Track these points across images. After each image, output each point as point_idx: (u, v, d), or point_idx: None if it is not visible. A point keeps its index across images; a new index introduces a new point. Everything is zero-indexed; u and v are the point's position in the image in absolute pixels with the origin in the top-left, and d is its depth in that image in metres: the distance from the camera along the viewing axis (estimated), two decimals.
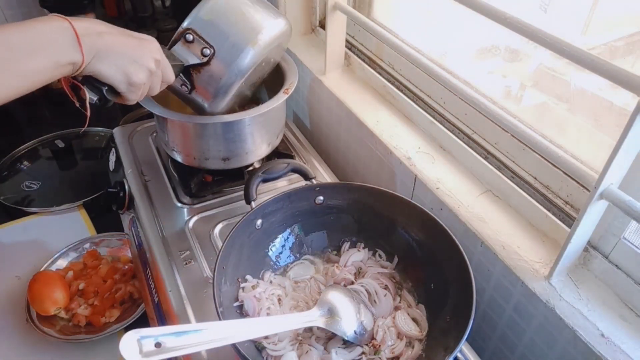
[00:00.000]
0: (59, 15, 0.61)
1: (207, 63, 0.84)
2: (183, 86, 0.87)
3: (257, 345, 0.70)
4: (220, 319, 0.63)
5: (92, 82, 0.66)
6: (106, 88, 0.67)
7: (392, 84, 1.08)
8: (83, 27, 0.61)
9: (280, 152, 1.10)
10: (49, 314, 1.34)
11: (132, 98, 0.71)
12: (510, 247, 0.76)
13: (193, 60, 0.83)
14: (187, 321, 0.79)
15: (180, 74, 0.85)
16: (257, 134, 0.98)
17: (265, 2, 0.89)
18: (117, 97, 0.70)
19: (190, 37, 0.82)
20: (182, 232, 0.94)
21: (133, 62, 0.67)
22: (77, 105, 0.68)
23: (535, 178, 0.80)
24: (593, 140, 0.75)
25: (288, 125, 1.22)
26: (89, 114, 0.68)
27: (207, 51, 0.83)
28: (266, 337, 0.70)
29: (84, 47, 0.61)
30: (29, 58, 0.57)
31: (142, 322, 1.34)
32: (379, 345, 0.71)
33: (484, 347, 0.85)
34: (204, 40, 0.83)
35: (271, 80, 1.10)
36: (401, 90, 1.06)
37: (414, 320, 0.75)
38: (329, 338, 0.72)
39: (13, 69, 0.57)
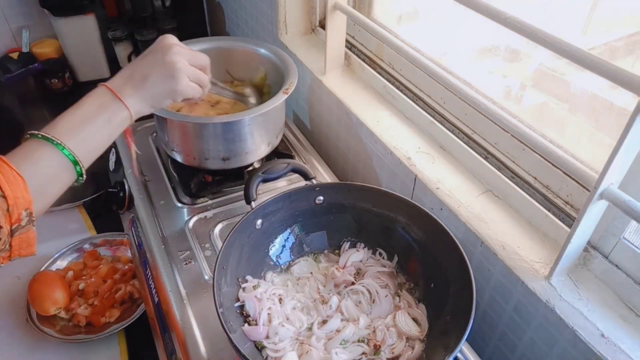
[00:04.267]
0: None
1: None
2: None
3: (257, 345, 0.70)
4: (220, 320, 0.63)
5: None
6: None
7: (392, 84, 1.08)
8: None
9: (280, 152, 1.10)
10: (49, 314, 1.34)
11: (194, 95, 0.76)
12: (510, 247, 0.76)
13: None
14: (188, 321, 0.79)
15: None
16: (257, 134, 0.98)
17: None
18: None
19: None
20: (182, 232, 0.94)
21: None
22: None
23: (535, 178, 0.80)
24: (593, 140, 0.75)
25: (288, 125, 1.22)
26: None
27: None
28: (267, 337, 0.70)
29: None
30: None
31: (142, 322, 1.34)
32: (379, 346, 0.71)
33: (484, 347, 0.85)
34: None
35: (271, 80, 1.10)
36: (401, 90, 1.06)
37: (415, 320, 0.75)
38: (329, 338, 0.72)
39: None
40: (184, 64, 0.72)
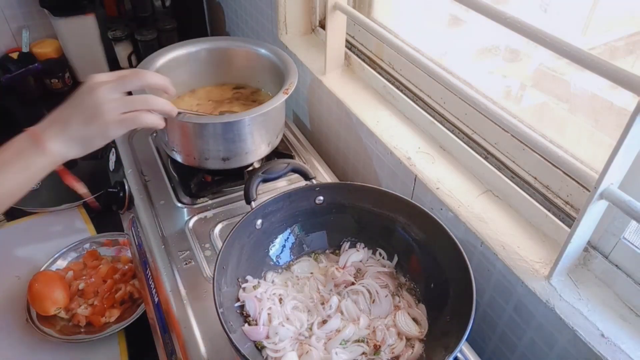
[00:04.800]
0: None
1: None
2: None
3: (257, 345, 0.70)
4: (220, 320, 0.63)
5: None
6: None
7: (392, 84, 1.08)
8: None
9: (280, 152, 1.10)
10: (49, 314, 1.34)
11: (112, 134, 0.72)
12: (510, 247, 0.76)
13: None
14: (188, 321, 0.79)
15: None
16: (257, 134, 0.98)
17: None
18: None
19: None
20: (182, 232, 0.94)
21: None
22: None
23: (535, 178, 0.80)
24: (593, 140, 0.75)
25: (288, 125, 1.22)
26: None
27: None
28: (267, 337, 0.70)
29: None
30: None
31: (142, 322, 1.34)
32: (379, 346, 0.71)
33: (484, 347, 0.85)
34: None
35: (271, 80, 1.10)
36: (401, 90, 1.06)
37: (414, 320, 0.75)
38: (329, 338, 0.72)
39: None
40: (111, 101, 0.69)
